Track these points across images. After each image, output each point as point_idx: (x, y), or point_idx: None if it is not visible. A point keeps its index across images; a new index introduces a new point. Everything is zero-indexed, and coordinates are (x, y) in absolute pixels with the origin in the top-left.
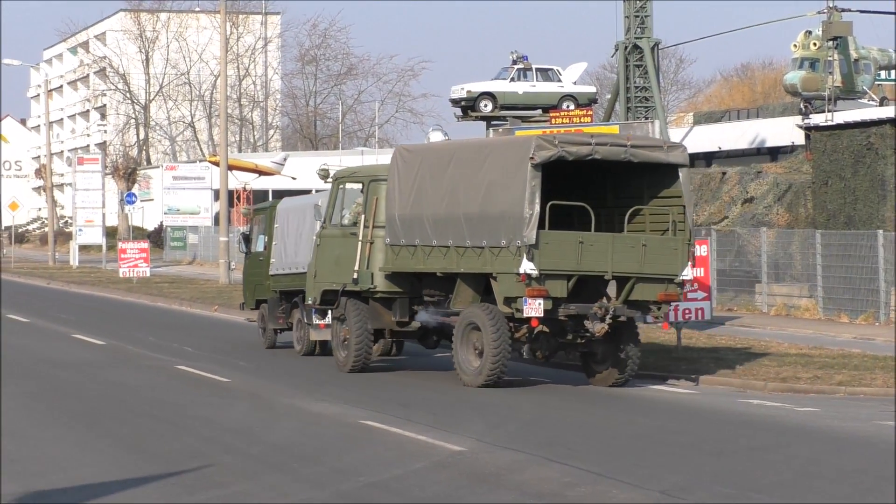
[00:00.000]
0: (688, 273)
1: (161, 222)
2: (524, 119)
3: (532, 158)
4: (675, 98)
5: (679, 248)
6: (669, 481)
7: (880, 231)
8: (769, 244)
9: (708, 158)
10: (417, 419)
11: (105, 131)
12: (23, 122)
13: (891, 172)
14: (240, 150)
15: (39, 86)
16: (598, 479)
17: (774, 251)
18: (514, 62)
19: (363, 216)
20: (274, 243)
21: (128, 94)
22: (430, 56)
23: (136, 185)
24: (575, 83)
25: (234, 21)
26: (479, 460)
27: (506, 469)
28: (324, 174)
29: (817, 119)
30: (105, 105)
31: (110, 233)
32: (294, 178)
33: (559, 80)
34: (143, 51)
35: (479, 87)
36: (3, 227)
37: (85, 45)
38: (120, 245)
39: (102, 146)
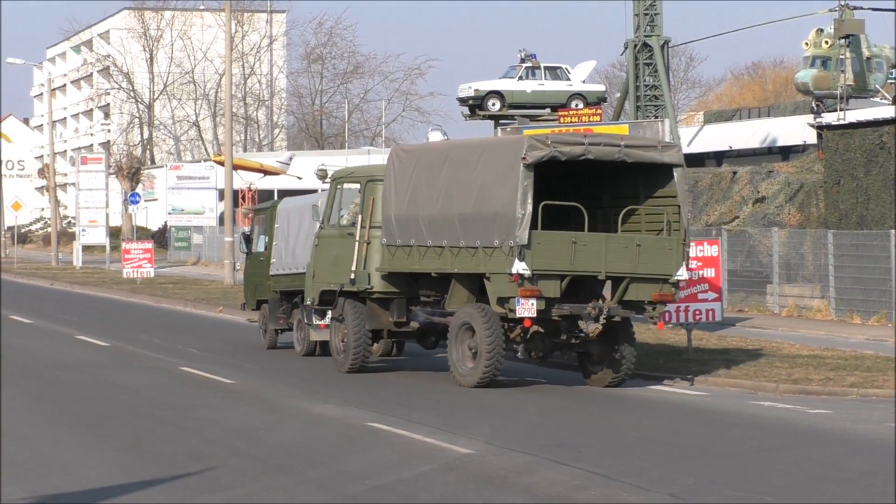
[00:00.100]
0: (683, 273)
1: (165, 222)
2: (533, 118)
3: (524, 158)
4: (685, 97)
5: (674, 249)
6: (679, 484)
7: (893, 231)
8: (780, 244)
9: (719, 158)
10: (424, 421)
11: (109, 130)
12: (26, 121)
13: None
14: (245, 150)
15: (42, 85)
16: (607, 481)
17: (786, 251)
18: (523, 60)
19: (360, 216)
20: (274, 243)
21: (132, 93)
22: (438, 54)
23: (139, 185)
24: (584, 82)
25: (239, 19)
26: (486, 463)
27: (514, 472)
28: (322, 174)
29: (829, 118)
30: (109, 104)
31: (114, 233)
32: (300, 178)
33: (568, 79)
34: (147, 49)
35: (486, 85)
36: (5, 228)
37: (88, 43)
38: (124, 245)
39: (106, 146)
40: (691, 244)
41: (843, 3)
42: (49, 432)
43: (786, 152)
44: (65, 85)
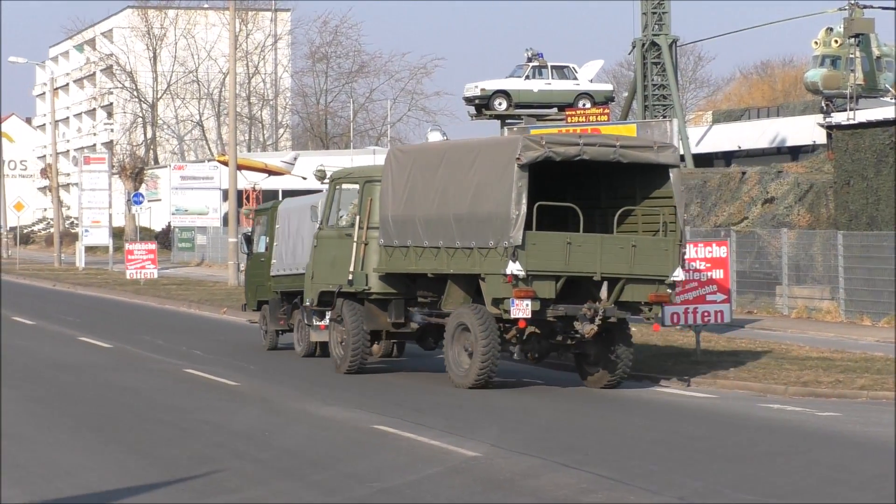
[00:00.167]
0: (679, 274)
1: (169, 223)
2: (539, 118)
3: (519, 159)
4: (693, 96)
5: (670, 249)
6: (688, 488)
7: None
8: (790, 245)
9: (727, 158)
10: (430, 424)
11: (112, 130)
12: (28, 120)
13: None
14: (249, 150)
15: (45, 84)
16: (615, 485)
17: (795, 252)
18: (530, 59)
19: (358, 217)
20: (275, 244)
21: (135, 93)
22: (444, 53)
23: (143, 185)
24: (591, 81)
25: (244, 18)
26: (493, 466)
27: (521, 475)
28: (321, 175)
29: (839, 118)
30: (112, 103)
31: (117, 234)
32: (304, 178)
33: (575, 78)
34: (150, 48)
35: (493, 84)
36: (7, 228)
37: (91, 42)
38: (127, 246)
39: (109, 145)
40: (700, 245)
41: (852, 1)
42: (51, 435)
43: (795, 152)
44: (67, 84)
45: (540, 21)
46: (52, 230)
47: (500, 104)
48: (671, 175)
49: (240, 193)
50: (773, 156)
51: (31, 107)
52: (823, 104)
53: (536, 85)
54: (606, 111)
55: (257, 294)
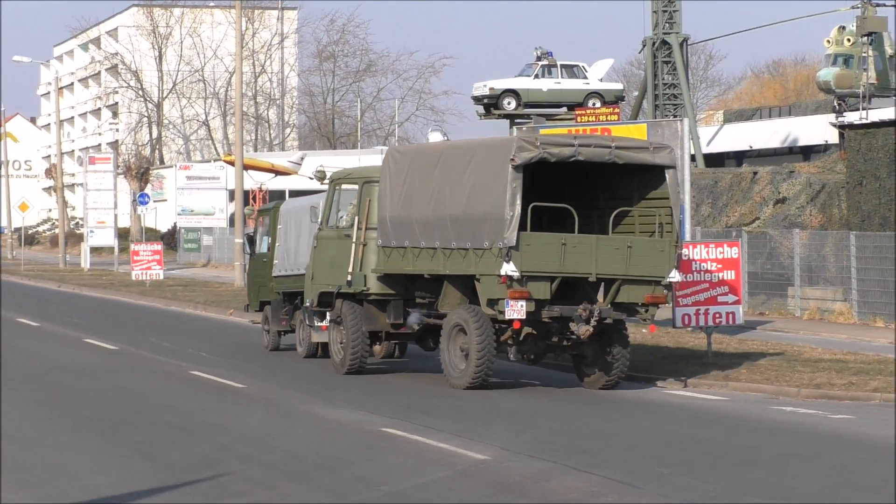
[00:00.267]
0: (675, 275)
1: (175, 223)
2: (549, 117)
3: (513, 160)
4: (704, 95)
5: (666, 250)
6: (699, 491)
7: None
8: (802, 246)
9: (739, 157)
10: (439, 426)
11: (117, 130)
12: (33, 120)
13: None
14: (255, 150)
15: (50, 83)
16: (626, 488)
17: (807, 253)
18: (539, 58)
19: (357, 218)
20: (277, 244)
21: (140, 92)
22: (452, 52)
23: (148, 186)
24: (601, 80)
25: (250, 16)
26: (503, 469)
27: (531, 478)
28: (320, 175)
29: (851, 117)
30: (117, 103)
31: (122, 234)
32: (311, 178)
33: (585, 77)
34: (155, 47)
35: (502, 84)
36: (12, 229)
37: (96, 41)
38: (132, 247)
39: (114, 145)
40: (712, 246)
41: (865, 0)
42: (56, 437)
43: (807, 152)
44: (72, 83)
45: (550, 20)
46: (56, 231)
47: (509, 103)
48: (667, 176)
49: (246, 194)
50: (785, 155)
51: (36, 106)
52: (836, 103)
53: (546, 84)
54: (616, 111)
55: (260, 295)
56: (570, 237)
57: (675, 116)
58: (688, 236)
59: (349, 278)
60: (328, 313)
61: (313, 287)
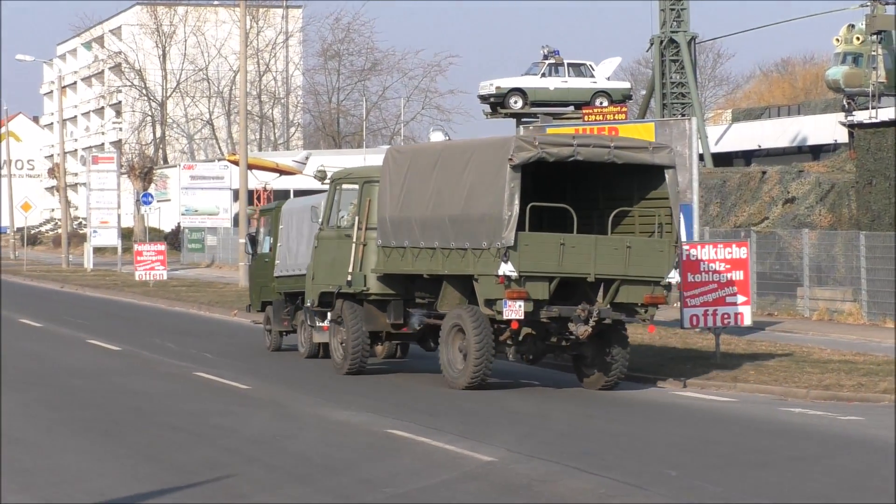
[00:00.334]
0: (674, 276)
1: (178, 223)
2: (556, 116)
3: (511, 160)
4: (712, 94)
5: (665, 251)
6: (708, 493)
7: None
8: (811, 246)
9: (747, 157)
10: (445, 428)
11: (120, 129)
12: (35, 119)
13: None
14: (260, 149)
15: (53, 82)
16: (634, 490)
17: (817, 253)
18: (546, 57)
19: (357, 218)
20: (279, 245)
21: (144, 91)
22: (458, 51)
23: (152, 185)
24: (608, 79)
25: (254, 15)
26: (510, 471)
27: (537, 480)
28: (321, 175)
29: (861, 116)
30: (120, 102)
31: (126, 234)
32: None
33: (592, 76)
34: (159, 46)
35: (508, 82)
36: (15, 229)
37: (100, 39)
38: (136, 247)
39: (118, 144)
40: (720, 246)
41: None
42: (60, 439)
43: (816, 151)
44: (75, 82)
45: (556, 18)
46: (59, 231)
47: (515, 102)
48: (666, 176)
49: (251, 193)
50: (794, 155)
51: (39, 105)
52: (845, 102)
53: (553, 83)
54: (624, 110)
55: (261, 295)
56: (568, 237)
57: (683, 115)
58: (696, 236)
59: (349, 278)
60: (329, 313)
61: (314, 287)
